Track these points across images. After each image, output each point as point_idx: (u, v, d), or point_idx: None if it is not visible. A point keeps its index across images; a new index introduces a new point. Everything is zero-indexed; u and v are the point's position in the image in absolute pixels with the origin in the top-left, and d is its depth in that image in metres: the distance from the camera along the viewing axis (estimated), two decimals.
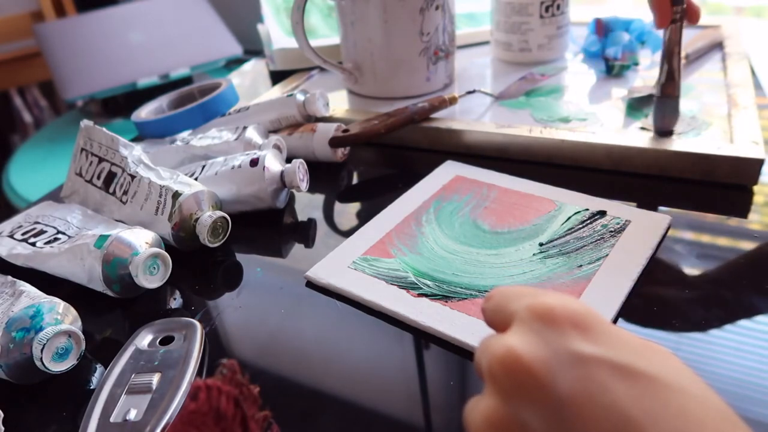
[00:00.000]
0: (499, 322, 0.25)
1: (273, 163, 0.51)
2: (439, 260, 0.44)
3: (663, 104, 0.53)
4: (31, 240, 0.47)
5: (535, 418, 0.20)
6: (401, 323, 0.39)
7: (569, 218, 0.47)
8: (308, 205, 0.55)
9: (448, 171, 0.55)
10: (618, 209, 0.47)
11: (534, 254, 0.43)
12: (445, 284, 0.41)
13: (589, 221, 0.46)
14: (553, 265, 0.42)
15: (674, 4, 0.50)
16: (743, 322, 0.37)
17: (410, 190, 0.53)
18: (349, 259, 0.45)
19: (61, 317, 0.38)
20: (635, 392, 0.20)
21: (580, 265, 0.42)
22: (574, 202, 0.48)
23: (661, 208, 0.48)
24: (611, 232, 0.45)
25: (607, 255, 0.42)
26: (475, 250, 0.45)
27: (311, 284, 0.44)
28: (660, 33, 0.52)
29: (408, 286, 0.41)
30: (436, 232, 0.47)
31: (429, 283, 0.42)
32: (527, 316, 0.23)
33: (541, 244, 0.44)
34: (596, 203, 0.48)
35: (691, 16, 0.51)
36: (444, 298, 0.40)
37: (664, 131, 0.54)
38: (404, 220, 0.49)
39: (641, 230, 0.44)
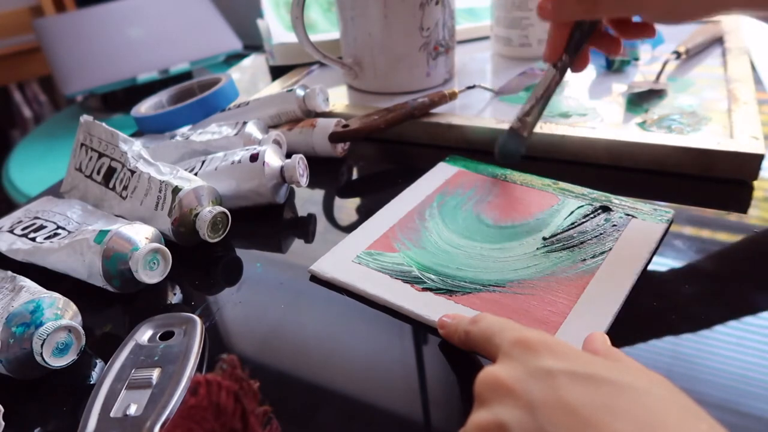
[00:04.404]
0: (485, 351, 0.31)
1: (273, 159, 0.51)
2: (442, 254, 0.44)
3: (509, 138, 0.50)
4: (31, 235, 0.47)
5: (512, 416, 0.24)
6: (403, 317, 0.39)
7: (572, 212, 0.47)
8: (308, 200, 0.55)
9: (451, 165, 0.55)
10: (621, 203, 0.47)
11: (538, 248, 0.43)
12: (449, 278, 0.41)
13: (592, 215, 0.46)
14: (556, 259, 0.42)
15: (566, 51, 0.46)
16: (745, 318, 0.37)
17: (413, 184, 0.53)
18: (353, 254, 0.45)
19: (61, 312, 0.38)
20: (594, 393, 0.24)
21: (584, 259, 0.42)
22: (577, 196, 0.49)
23: (661, 203, 0.48)
24: (614, 226, 0.45)
25: (610, 249, 0.42)
26: (479, 245, 0.45)
27: (315, 278, 0.44)
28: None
29: (412, 281, 0.41)
30: (440, 227, 0.47)
31: (433, 277, 0.42)
32: (509, 346, 0.28)
33: (544, 239, 0.44)
34: (599, 197, 0.48)
35: (578, 65, 0.48)
36: (448, 292, 0.40)
37: (501, 161, 0.51)
38: (408, 215, 0.49)
39: (644, 225, 0.44)
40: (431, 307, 0.39)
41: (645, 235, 0.43)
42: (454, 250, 0.44)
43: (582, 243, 0.43)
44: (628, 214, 0.46)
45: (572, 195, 0.49)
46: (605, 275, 0.40)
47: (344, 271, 0.43)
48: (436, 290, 0.40)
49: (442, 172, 0.54)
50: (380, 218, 0.49)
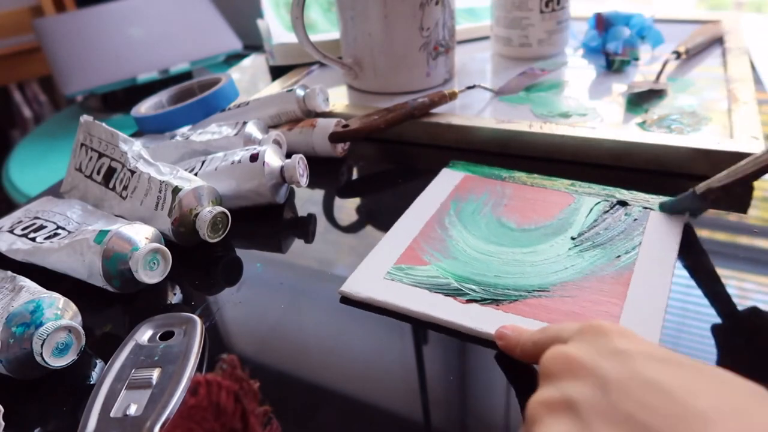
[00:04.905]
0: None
1: (273, 159, 0.51)
2: (476, 263, 0.43)
3: (687, 198, 0.43)
4: (31, 235, 0.47)
5: (581, 393, 0.23)
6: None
7: (591, 210, 0.47)
8: (308, 200, 0.55)
9: (455, 171, 0.54)
10: (635, 197, 0.48)
11: (569, 249, 0.43)
12: (491, 287, 0.40)
13: (612, 211, 0.46)
14: (591, 257, 0.42)
15: None
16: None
17: (422, 193, 0.51)
18: (383, 270, 0.42)
19: (61, 312, 0.38)
20: (674, 373, 0.22)
21: (618, 256, 0.42)
22: (591, 194, 0.49)
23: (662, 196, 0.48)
24: (636, 220, 0.45)
25: (640, 243, 0.43)
26: (510, 250, 0.44)
27: (346, 300, 0.41)
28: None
29: (453, 293, 0.40)
30: (464, 234, 0.46)
31: (474, 287, 0.40)
32: (579, 331, 0.27)
33: (573, 238, 0.44)
34: (612, 192, 0.49)
35: None
36: (494, 301, 0.39)
37: (662, 209, 0.45)
38: (427, 225, 0.47)
39: (665, 216, 0.45)
40: (481, 319, 0.37)
41: (669, 227, 0.44)
42: (486, 258, 0.43)
43: (610, 239, 0.44)
44: (646, 207, 0.46)
45: (585, 192, 0.49)
46: (644, 270, 0.40)
47: (379, 290, 0.41)
48: (481, 301, 0.39)
49: (449, 178, 0.53)
50: (399, 231, 0.47)
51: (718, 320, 0.37)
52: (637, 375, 0.22)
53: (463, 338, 0.37)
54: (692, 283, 0.40)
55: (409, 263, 0.43)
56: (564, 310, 0.38)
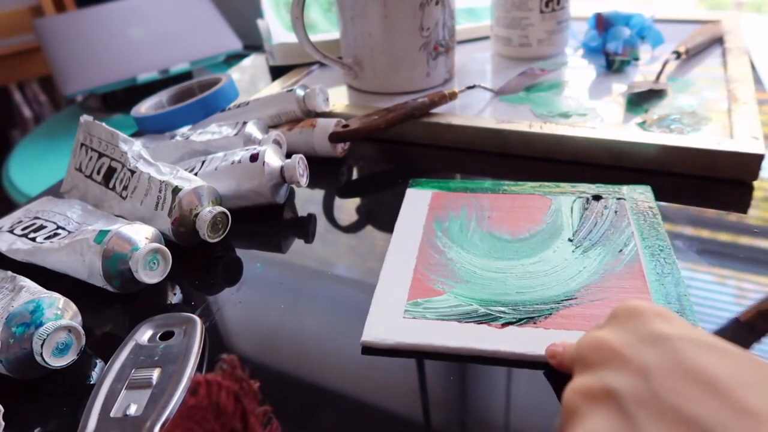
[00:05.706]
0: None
1: (273, 159, 0.51)
2: (492, 283, 0.41)
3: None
4: (31, 235, 0.47)
5: (622, 382, 0.22)
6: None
7: (572, 209, 0.47)
8: (308, 200, 0.55)
9: (421, 190, 0.52)
10: (606, 190, 0.49)
11: (573, 251, 0.43)
12: (520, 305, 0.38)
13: (589, 207, 0.47)
14: (597, 256, 0.42)
15: None
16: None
17: (399, 219, 0.48)
18: (399, 309, 0.39)
19: (61, 312, 0.38)
20: (720, 360, 0.21)
21: (621, 250, 0.42)
22: (564, 192, 0.49)
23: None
24: (617, 212, 0.46)
25: (632, 233, 0.43)
26: (517, 263, 0.42)
27: (368, 350, 0.37)
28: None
29: (485, 319, 0.38)
30: (463, 254, 0.44)
31: (503, 309, 0.38)
32: (615, 315, 0.26)
33: (570, 240, 0.44)
34: (580, 188, 0.50)
35: None
36: (530, 320, 0.37)
37: None
38: (421, 251, 0.44)
39: (638, 204, 0.46)
40: (526, 342, 0.36)
41: (649, 214, 0.45)
42: (498, 275, 0.41)
43: (605, 235, 0.44)
44: (620, 198, 0.47)
45: (557, 192, 0.50)
46: (650, 258, 0.41)
47: (404, 331, 0.37)
48: (517, 322, 0.37)
49: (418, 198, 0.51)
50: (394, 264, 0.43)
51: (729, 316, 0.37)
52: (681, 363, 0.21)
53: (507, 365, 0.35)
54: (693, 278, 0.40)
55: (423, 296, 0.40)
56: (600, 315, 0.37)
